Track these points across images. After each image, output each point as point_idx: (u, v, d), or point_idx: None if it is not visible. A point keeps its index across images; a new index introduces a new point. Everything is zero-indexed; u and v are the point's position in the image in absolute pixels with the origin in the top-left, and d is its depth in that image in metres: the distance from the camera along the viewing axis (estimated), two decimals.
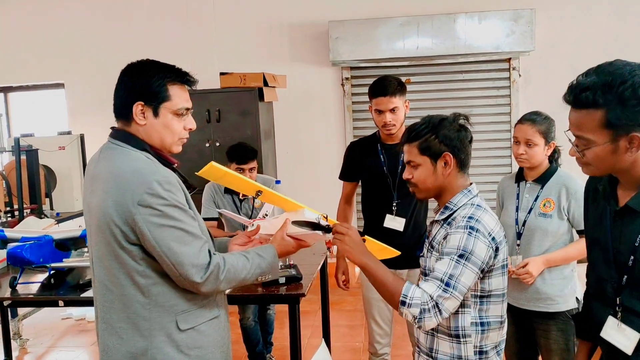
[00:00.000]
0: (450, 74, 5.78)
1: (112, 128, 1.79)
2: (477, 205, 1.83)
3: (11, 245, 2.57)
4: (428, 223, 2.07)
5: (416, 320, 1.70)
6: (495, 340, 1.87)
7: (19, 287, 2.64)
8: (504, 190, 2.71)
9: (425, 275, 1.85)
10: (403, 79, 5.66)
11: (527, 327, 2.60)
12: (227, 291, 2.42)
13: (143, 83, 1.71)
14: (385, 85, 2.78)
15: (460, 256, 1.71)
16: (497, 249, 1.78)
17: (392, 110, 2.77)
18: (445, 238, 1.79)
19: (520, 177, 2.64)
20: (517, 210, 2.59)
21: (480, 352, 1.85)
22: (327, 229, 1.82)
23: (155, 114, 1.72)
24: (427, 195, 1.92)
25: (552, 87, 5.74)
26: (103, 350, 1.75)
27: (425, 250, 1.93)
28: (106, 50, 5.81)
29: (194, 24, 5.84)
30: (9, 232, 2.73)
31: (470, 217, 1.77)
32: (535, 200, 2.54)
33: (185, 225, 1.66)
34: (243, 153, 3.39)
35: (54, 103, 6.28)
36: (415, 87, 5.82)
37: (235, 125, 5.13)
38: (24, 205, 4.62)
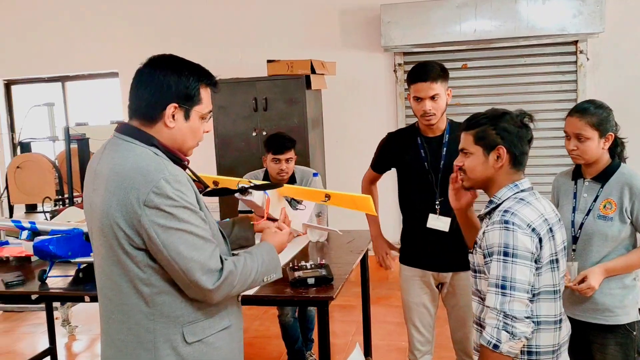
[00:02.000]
0: (510, 59, 5.42)
1: (120, 122, 1.67)
2: (521, 199, 1.78)
3: (39, 238, 2.54)
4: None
5: (497, 342, 1.66)
6: (550, 342, 1.76)
7: (48, 281, 2.61)
8: (559, 188, 2.45)
9: (474, 271, 1.87)
10: (459, 64, 5.49)
11: (582, 340, 2.34)
12: (252, 291, 2.31)
13: (179, 83, 1.57)
14: (426, 70, 2.55)
15: (505, 254, 1.68)
16: (540, 241, 1.72)
17: (433, 98, 2.54)
18: (483, 234, 1.76)
19: (577, 174, 2.37)
20: (573, 211, 2.32)
21: (530, 353, 1.75)
22: (276, 185, 1.92)
23: (187, 117, 1.60)
24: (473, 184, 1.90)
25: (624, 72, 5.31)
26: None
27: (474, 246, 1.89)
28: (158, 38, 5.80)
29: (244, 10, 5.73)
30: (40, 224, 2.70)
31: (505, 211, 1.74)
32: (595, 200, 2.27)
33: (195, 228, 1.52)
34: (280, 143, 3.26)
35: (109, 92, 6.36)
36: (472, 73, 5.52)
37: (282, 114, 5.00)
38: (75, 194, 4.67)
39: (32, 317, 4.97)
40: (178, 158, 1.65)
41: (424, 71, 2.56)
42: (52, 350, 3.85)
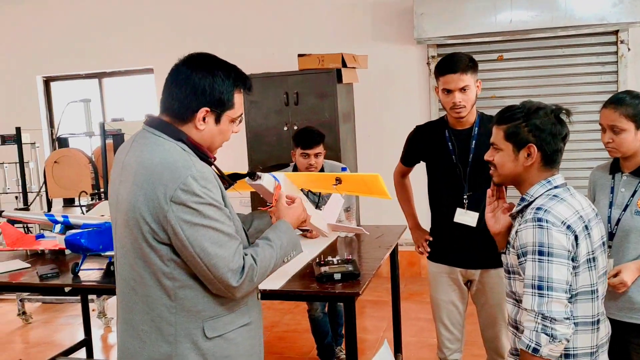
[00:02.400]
0: (548, 50, 5.28)
1: (149, 115, 1.68)
2: (554, 195, 1.72)
3: (72, 231, 2.58)
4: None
5: (537, 345, 1.60)
6: (587, 344, 1.70)
7: (81, 274, 2.66)
8: (596, 182, 2.36)
9: (508, 272, 1.81)
10: (495, 56, 5.37)
11: (618, 339, 2.25)
12: (278, 286, 2.31)
13: (214, 88, 1.58)
14: (455, 61, 2.48)
15: (540, 253, 1.62)
16: (576, 238, 1.66)
17: (462, 90, 2.47)
18: (516, 233, 1.68)
19: (615, 167, 2.29)
20: (610, 206, 2.24)
21: (567, 356, 1.70)
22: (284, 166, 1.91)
23: (217, 121, 1.61)
24: (502, 180, 1.83)
25: None
26: (122, 353, 1.66)
27: (507, 246, 1.83)
28: (191, 35, 5.84)
29: (275, 5, 5.73)
30: (72, 218, 2.75)
31: (538, 209, 1.68)
32: (633, 195, 2.19)
33: (220, 225, 1.53)
34: (308, 137, 3.25)
35: (144, 88, 6.45)
36: (508, 65, 5.40)
37: (314, 108, 4.99)
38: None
39: (70, 308, 5.09)
40: (205, 155, 1.65)
41: (453, 62, 2.49)
42: (87, 342, 3.94)
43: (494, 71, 5.43)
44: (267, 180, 1.92)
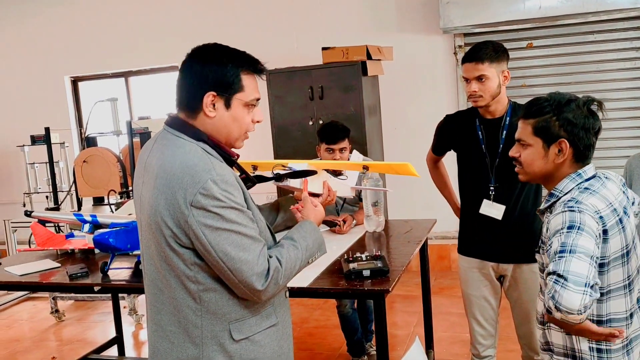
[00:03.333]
0: (579, 36, 5.13)
1: (169, 115, 1.66)
2: (585, 188, 1.64)
3: (100, 231, 2.59)
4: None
5: (553, 305, 1.44)
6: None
7: (110, 273, 2.67)
8: (633, 170, 2.28)
9: (542, 271, 1.70)
10: (524, 43, 5.25)
11: None
12: (307, 283, 2.27)
13: (216, 71, 1.55)
14: (474, 50, 2.43)
15: (570, 227, 1.51)
16: (605, 232, 1.57)
17: (479, 79, 2.41)
18: (547, 229, 1.59)
19: None
20: None
21: (599, 350, 1.62)
22: (312, 172, 1.86)
23: (227, 105, 1.58)
24: (530, 178, 1.73)
25: None
26: (152, 353, 1.65)
27: (539, 244, 1.76)
28: (215, 30, 5.84)
29: None
30: (100, 217, 2.76)
31: (569, 200, 1.60)
32: None
33: (243, 228, 1.50)
34: (333, 132, 3.20)
35: (170, 85, 6.48)
36: (538, 52, 5.27)
37: (339, 102, 4.93)
38: None
39: (102, 305, 5.15)
40: (227, 154, 1.62)
41: (472, 51, 2.44)
42: (119, 339, 3.97)
43: (524, 59, 5.30)
44: (293, 180, 1.89)
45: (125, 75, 6.54)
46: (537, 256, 1.78)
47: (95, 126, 5.65)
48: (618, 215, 1.62)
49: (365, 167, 2.02)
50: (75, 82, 6.73)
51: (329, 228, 3.04)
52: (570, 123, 1.63)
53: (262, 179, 1.85)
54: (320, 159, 3.37)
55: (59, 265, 2.88)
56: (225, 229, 1.47)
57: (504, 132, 2.50)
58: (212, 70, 1.56)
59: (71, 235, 3.22)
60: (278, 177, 1.85)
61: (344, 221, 3.07)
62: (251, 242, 1.51)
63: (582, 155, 1.67)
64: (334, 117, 4.73)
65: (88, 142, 5.10)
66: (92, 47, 6.35)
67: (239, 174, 1.72)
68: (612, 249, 1.59)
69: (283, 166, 1.87)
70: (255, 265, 1.50)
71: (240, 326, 1.57)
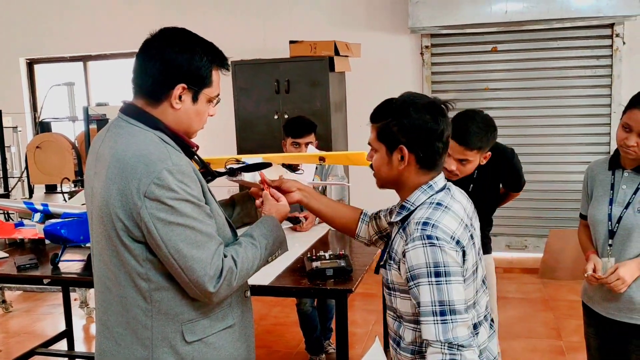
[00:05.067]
0: (543, 42, 5.22)
1: (124, 102, 1.58)
2: (437, 203, 1.53)
3: (51, 221, 2.47)
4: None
5: None
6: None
7: (61, 265, 2.55)
8: (594, 177, 2.29)
9: (387, 287, 1.61)
10: (489, 47, 5.29)
11: (617, 340, 2.20)
12: (267, 281, 2.22)
13: (191, 63, 1.47)
14: (467, 132, 2.31)
15: (437, 274, 1.43)
16: (464, 254, 1.49)
17: (461, 161, 2.37)
18: (404, 255, 1.48)
19: (615, 163, 2.21)
20: (610, 203, 2.17)
21: None
22: (266, 165, 1.80)
23: (195, 99, 1.50)
24: (382, 184, 1.64)
25: None
26: (99, 355, 1.56)
27: (385, 257, 1.63)
28: (180, 18, 5.68)
29: None
30: (52, 207, 2.64)
31: (424, 223, 1.47)
32: (635, 193, 2.12)
33: (198, 224, 1.42)
34: (299, 127, 3.16)
35: (131, 72, 6.29)
36: (502, 57, 5.34)
37: (305, 97, 4.88)
38: None
39: (52, 297, 4.97)
40: (186, 144, 1.55)
41: (464, 132, 2.30)
42: (68, 333, 3.83)
43: (488, 62, 5.37)
44: (247, 175, 1.81)
45: (84, 59, 6.33)
46: (381, 270, 1.65)
47: (50, 111, 5.44)
48: (469, 232, 1.55)
49: (322, 158, 1.96)
50: (30, 64, 6.47)
51: (290, 225, 2.99)
52: (409, 128, 1.50)
53: (216, 175, 1.77)
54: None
55: (6, 255, 2.74)
56: (179, 223, 1.39)
57: (471, 185, 2.51)
58: (186, 61, 1.48)
59: (21, 224, 3.07)
60: (231, 172, 1.77)
61: (306, 218, 3.02)
62: (206, 239, 1.43)
63: (427, 162, 1.54)
64: (299, 112, 4.67)
65: (42, 127, 4.90)
66: (50, 29, 6.11)
67: (198, 167, 1.66)
68: (468, 267, 1.52)
69: (237, 160, 1.80)
70: (209, 264, 1.41)
71: (193, 327, 1.49)
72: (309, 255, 2.39)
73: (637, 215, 2.09)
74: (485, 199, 2.56)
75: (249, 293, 1.70)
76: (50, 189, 4.64)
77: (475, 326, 1.57)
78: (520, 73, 5.32)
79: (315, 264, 2.30)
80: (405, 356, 1.58)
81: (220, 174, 1.78)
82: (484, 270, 1.67)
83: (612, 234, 2.14)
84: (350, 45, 5.01)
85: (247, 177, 1.81)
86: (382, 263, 1.65)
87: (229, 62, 1.58)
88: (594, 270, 2.12)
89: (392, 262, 1.57)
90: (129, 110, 1.52)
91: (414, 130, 1.51)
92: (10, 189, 4.73)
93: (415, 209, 1.55)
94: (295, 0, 5.54)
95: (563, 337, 3.86)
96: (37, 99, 6.48)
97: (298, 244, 2.76)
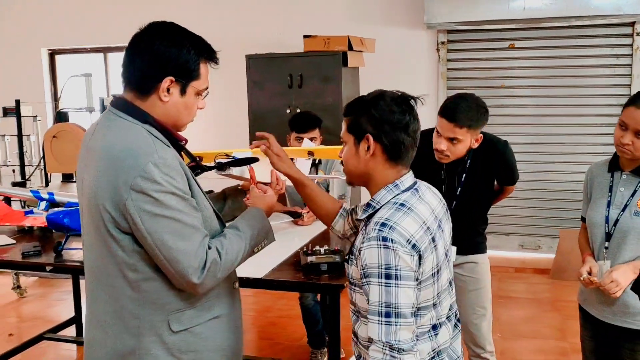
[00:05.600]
0: (561, 39, 5.14)
1: (115, 96, 1.61)
2: (401, 204, 1.54)
3: (54, 209, 2.53)
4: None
5: None
6: (427, 350, 1.58)
7: (65, 253, 2.60)
8: (593, 179, 2.26)
9: (350, 282, 1.64)
10: (506, 44, 5.23)
11: (611, 344, 2.18)
12: (261, 274, 2.24)
13: (179, 56, 1.50)
14: (457, 109, 2.30)
15: (387, 277, 1.45)
16: (420, 257, 1.49)
17: (451, 140, 2.34)
18: (359, 251, 1.50)
19: (614, 165, 2.18)
20: (608, 206, 2.14)
21: None
22: (254, 160, 1.81)
23: (183, 92, 1.53)
24: (352, 178, 1.67)
25: None
26: (88, 343, 1.60)
27: (348, 253, 1.66)
28: (196, 11, 5.73)
29: None
30: (57, 196, 2.70)
31: (383, 225, 1.48)
32: (633, 195, 2.09)
33: (184, 216, 1.45)
34: (302, 122, 3.17)
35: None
36: (519, 54, 5.27)
37: (317, 92, 4.89)
38: None
39: (65, 284, 5.07)
40: (175, 138, 1.57)
41: (454, 109, 2.30)
42: (77, 319, 3.91)
43: (505, 60, 5.31)
44: (236, 169, 1.83)
45: (104, 50, 6.42)
46: (345, 265, 1.68)
47: (70, 101, 5.55)
48: (431, 234, 1.55)
49: (310, 153, 1.98)
50: (52, 55, 6.59)
51: (292, 219, 3.01)
52: (375, 118, 1.55)
53: (205, 169, 1.79)
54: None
55: (13, 242, 2.80)
56: (164, 215, 1.42)
57: (464, 175, 2.50)
58: (175, 54, 1.50)
59: (30, 212, 3.14)
60: (220, 166, 1.80)
61: (308, 212, 3.03)
62: (191, 231, 1.45)
63: (393, 153, 1.57)
64: (311, 107, 4.68)
65: (60, 117, 4.99)
66: (72, 20, 6.21)
67: (188, 161, 1.68)
68: (424, 270, 1.52)
69: (227, 155, 1.82)
70: (193, 256, 1.44)
71: (180, 317, 1.52)
72: (304, 250, 2.40)
73: (633, 219, 2.06)
74: (477, 192, 2.53)
75: (237, 284, 1.73)
76: (67, 178, 4.73)
77: (435, 327, 1.59)
78: (537, 71, 5.25)
79: (310, 259, 2.31)
80: (363, 350, 1.62)
81: (209, 168, 1.80)
82: (451, 272, 1.68)
83: (608, 236, 2.12)
84: (364, 41, 5.00)
85: (236, 171, 1.83)
86: (346, 258, 1.67)
87: (217, 56, 1.60)
88: (589, 273, 2.10)
89: (352, 257, 1.60)
90: (118, 104, 1.55)
91: (380, 120, 1.55)
92: (27, 177, 4.85)
93: (380, 207, 1.57)
94: None
95: (568, 338, 3.81)
96: (57, 89, 6.60)
97: (297, 237, 2.77)
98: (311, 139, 3.17)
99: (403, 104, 1.56)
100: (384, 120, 1.54)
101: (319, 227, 3.01)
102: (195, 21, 5.74)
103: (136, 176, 1.40)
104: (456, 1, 5.06)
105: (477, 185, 2.52)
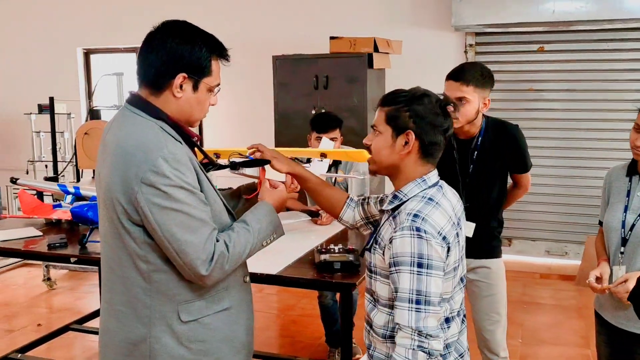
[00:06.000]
0: (592, 43, 5.06)
1: (130, 92, 1.66)
2: (429, 198, 1.60)
3: (79, 203, 2.61)
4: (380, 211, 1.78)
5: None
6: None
7: (89, 245, 2.69)
8: (612, 183, 2.24)
9: (370, 271, 1.69)
10: (535, 47, 5.17)
11: (626, 350, 2.15)
12: (275, 271, 2.28)
13: (192, 53, 1.55)
14: (462, 70, 2.41)
15: (419, 265, 1.51)
16: (448, 250, 1.56)
17: (459, 100, 2.35)
18: (391, 241, 1.55)
19: (633, 169, 2.16)
20: (625, 210, 2.12)
21: None
22: (266, 162, 1.84)
23: (195, 88, 1.58)
24: (377, 169, 1.71)
25: None
26: (102, 332, 1.66)
27: (371, 242, 1.70)
28: (225, 13, 5.81)
29: None
30: (83, 190, 2.79)
31: (415, 215, 1.55)
32: None
33: (192, 209, 1.49)
34: (323, 122, 3.21)
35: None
36: (548, 57, 5.20)
37: (343, 93, 4.91)
38: None
39: (95, 277, 5.20)
40: (187, 134, 1.62)
41: (459, 70, 2.41)
42: None
43: (534, 63, 5.24)
44: (249, 170, 1.88)
45: (136, 50, 6.54)
46: (366, 254, 1.72)
47: (103, 100, 5.71)
48: (455, 230, 1.61)
49: (323, 155, 2.02)
50: (87, 54, 6.77)
51: (310, 218, 3.05)
52: (419, 116, 1.58)
53: (218, 167, 1.84)
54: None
55: (40, 234, 2.91)
56: (173, 208, 1.46)
57: (476, 152, 2.52)
58: (187, 52, 1.55)
59: (59, 206, 3.25)
60: (233, 166, 1.84)
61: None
62: (199, 224, 1.50)
63: (427, 151, 1.62)
64: (337, 108, 4.71)
65: (92, 114, 5.14)
66: (106, 20, 6.37)
67: (202, 157, 1.73)
68: (449, 263, 1.58)
69: (240, 154, 1.86)
70: (201, 249, 1.48)
71: (189, 308, 1.57)
72: (319, 248, 2.44)
73: None
74: (489, 174, 2.53)
75: (248, 278, 1.76)
76: None
77: (447, 320, 1.63)
78: (567, 74, 5.17)
79: (323, 257, 2.35)
80: (377, 338, 1.66)
81: (222, 167, 1.85)
82: (464, 269, 1.72)
83: (624, 241, 2.09)
84: (391, 42, 5.01)
85: (248, 171, 1.88)
86: (367, 247, 1.71)
87: (228, 53, 1.64)
88: (599, 279, 2.08)
89: (377, 246, 1.64)
90: (133, 101, 1.61)
91: (424, 119, 1.59)
92: (59, 173, 5.00)
93: (407, 200, 1.61)
94: None
95: (591, 346, 3.72)
96: (91, 87, 6.77)
97: (315, 236, 2.81)
98: (331, 139, 3.19)
99: (445, 107, 1.62)
100: (428, 121, 1.59)
101: (337, 227, 3.03)
102: (223, 23, 5.86)
103: (147, 170, 1.45)
104: (484, 3, 5.02)
105: (488, 166, 2.52)
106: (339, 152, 2.06)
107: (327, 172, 2.55)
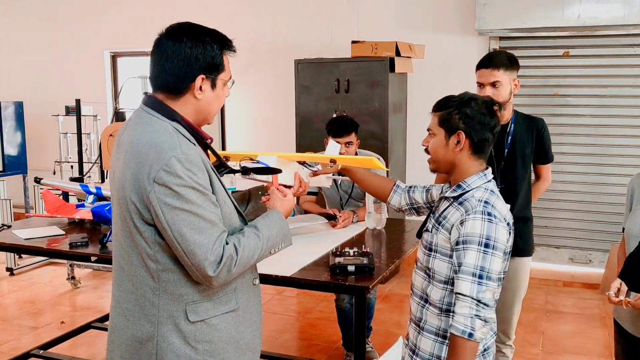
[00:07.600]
0: (618, 48, 4.97)
1: (146, 94, 1.70)
2: (491, 190, 1.82)
3: (99, 203, 2.66)
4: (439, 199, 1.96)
5: (472, 330, 1.65)
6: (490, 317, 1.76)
7: (108, 245, 2.74)
8: (635, 189, 2.20)
9: (429, 249, 1.86)
10: (561, 52, 5.11)
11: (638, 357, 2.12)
12: (289, 273, 2.29)
13: (205, 53, 1.58)
14: (490, 57, 2.64)
15: (487, 245, 1.69)
16: (510, 233, 1.78)
17: (494, 85, 2.57)
18: (461, 223, 1.74)
19: None
20: None
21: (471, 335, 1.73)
22: (277, 171, 1.90)
23: (213, 86, 1.62)
24: (436, 167, 1.91)
25: None
26: (111, 329, 1.69)
27: (430, 225, 1.90)
28: (248, 17, 5.87)
29: None
30: (105, 190, 2.84)
31: (486, 202, 1.76)
32: None
33: (202, 210, 1.51)
34: (340, 125, 3.21)
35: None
36: (574, 62, 5.12)
37: (364, 97, 4.92)
38: None
39: None
40: (201, 136, 1.65)
41: (488, 58, 2.65)
42: None
43: (559, 67, 5.17)
44: (259, 175, 1.90)
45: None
46: (425, 234, 1.89)
47: (128, 102, 5.80)
48: (510, 220, 1.81)
49: (333, 161, 2.06)
50: (114, 57, 6.89)
51: (327, 221, 3.05)
52: (468, 117, 1.78)
53: (230, 170, 1.86)
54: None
55: (63, 233, 2.97)
56: (184, 209, 1.48)
57: (509, 137, 2.68)
58: (202, 53, 1.58)
59: (82, 206, 3.31)
60: (244, 171, 1.86)
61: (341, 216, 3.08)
62: (209, 226, 1.51)
63: (478, 148, 1.81)
64: (358, 112, 4.73)
65: (118, 116, 5.24)
66: (133, 25, 6.48)
67: (214, 159, 1.75)
68: (507, 247, 1.76)
69: (251, 159, 1.88)
70: (210, 250, 1.50)
71: (196, 308, 1.59)
72: (333, 251, 2.44)
73: None
74: (519, 167, 2.71)
75: (257, 281, 1.77)
76: None
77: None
78: (592, 79, 5.09)
79: (338, 260, 2.35)
80: (432, 312, 1.83)
81: (234, 171, 1.87)
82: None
83: None
84: (413, 47, 4.99)
85: (259, 177, 1.90)
86: (426, 228, 1.91)
87: (234, 45, 1.67)
88: (618, 291, 2.04)
89: (440, 227, 1.82)
90: (149, 102, 1.64)
91: (472, 119, 1.78)
92: (85, 173, 5.09)
93: (470, 190, 1.80)
94: (363, 0, 5.57)
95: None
96: (117, 90, 6.89)
97: (331, 239, 2.82)
98: (347, 144, 3.20)
99: (491, 108, 1.81)
100: (476, 120, 1.78)
101: (354, 230, 3.04)
102: (247, 28, 5.91)
103: (159, 169, 1.48)
104: (508, 8, 4.97)
105: (520, 150, 2.70)
106: (348, 158, 2.12)
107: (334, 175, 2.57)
